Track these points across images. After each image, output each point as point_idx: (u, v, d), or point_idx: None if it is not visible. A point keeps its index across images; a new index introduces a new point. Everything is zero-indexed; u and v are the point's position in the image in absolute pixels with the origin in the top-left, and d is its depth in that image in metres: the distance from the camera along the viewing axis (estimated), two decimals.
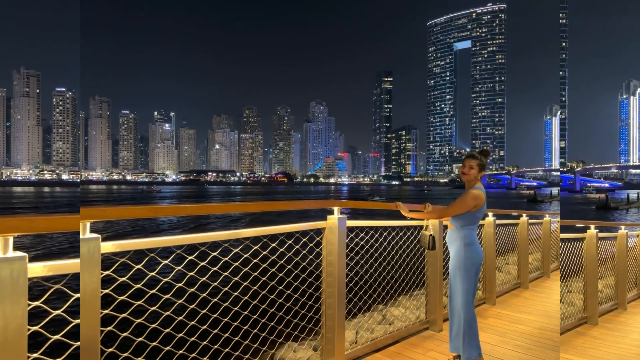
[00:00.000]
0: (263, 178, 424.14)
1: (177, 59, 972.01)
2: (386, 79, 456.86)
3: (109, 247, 2.25)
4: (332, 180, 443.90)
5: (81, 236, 2.12)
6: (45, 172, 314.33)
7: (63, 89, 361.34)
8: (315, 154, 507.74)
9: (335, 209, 3.80)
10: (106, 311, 2.25)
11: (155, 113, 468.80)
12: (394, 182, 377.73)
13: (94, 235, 2.14)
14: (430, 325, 5.13)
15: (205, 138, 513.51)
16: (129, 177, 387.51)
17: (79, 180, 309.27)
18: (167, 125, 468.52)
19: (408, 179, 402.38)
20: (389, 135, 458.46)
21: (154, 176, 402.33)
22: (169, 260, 2.78)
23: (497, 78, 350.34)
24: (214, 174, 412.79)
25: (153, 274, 2.70)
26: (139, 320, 2.64)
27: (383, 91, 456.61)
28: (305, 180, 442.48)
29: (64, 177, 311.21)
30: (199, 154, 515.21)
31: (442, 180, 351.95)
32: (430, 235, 4.48)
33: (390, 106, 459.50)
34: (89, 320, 2.10)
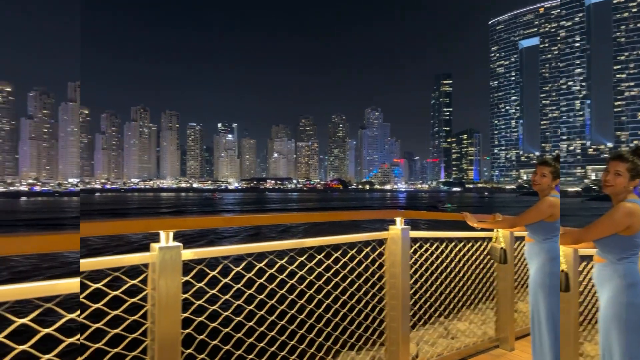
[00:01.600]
0: (319, 185, 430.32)
1: (239, 73, 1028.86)
2: (445, 82, 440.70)
3: (188, 254, 2.48)
4: (387, 187, 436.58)
5: (164, 244, 2.35)
6: (182, 182, 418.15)
7: (194, 124, 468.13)
8: (371, 161, 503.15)
9: (398, 219, 3.71)
10: (185, 314, 2.48)
11: (219, 125, 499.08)
12: (454, 189, 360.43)
13: (176, 243, 2.40)
14: (501, 343, 4.78)
15: (265, 147, 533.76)
16: (195, 185, 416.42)
17: (204, 187, 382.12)
18: (230, 135, 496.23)
19: (470, 185, 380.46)
20: (449, 140, 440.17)
21: (218, 184, 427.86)
22: (240, 267, 2.94)
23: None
24: (273, 182, 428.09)
25: (227, 280, 2.86)
26: (213, 325, 2.81)
27: (442, 94, 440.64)
28: (360, 187, 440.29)
29: (195, 185, 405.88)
30: (259, 163, 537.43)
31: (508, 187, 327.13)
32: (502, 248, 4.15)
33: (450, 109, 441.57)
34: (170, 322, 2.35)
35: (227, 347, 2.85)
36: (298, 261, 3.25)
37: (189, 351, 2.56)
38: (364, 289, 3.73)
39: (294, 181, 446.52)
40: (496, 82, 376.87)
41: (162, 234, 2.37)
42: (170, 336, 2.37)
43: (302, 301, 3.37)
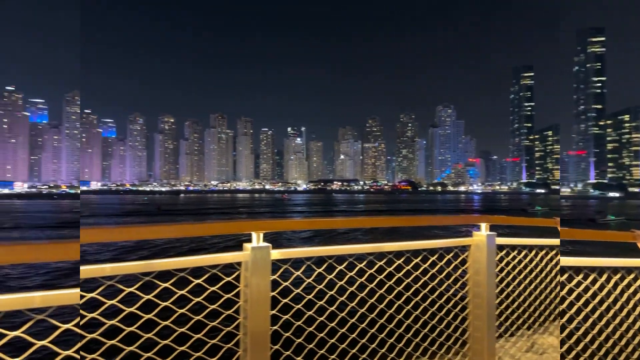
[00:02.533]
0: (386, 186, 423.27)
1: (306, 78, 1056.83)
2: (526, 75, 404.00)
3: (276, 254, 2.68)
4: (462, 188, 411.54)
5: (255, 244, 2.60)
6: (255, 183, 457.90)
7: (266, 129, 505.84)
8: (442, 161, 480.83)
9: (483, 225, 3.61)
10: (273, 312, 2.67)
11: (289, 129, 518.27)
12: (539, 190, 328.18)
13: (267, 244, 2.64)
14: None
15: (332, 149, 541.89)
16: (267, 187, 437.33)
17: (275, 188, 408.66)
18: (298, 139, 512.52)
19: (637, 189, 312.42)
20: (531, 137, 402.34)
21: (287, 185, 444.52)
22: (322, 268, 3.10)
23: None
24: (339, 183, 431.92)
25: (309, 280, 3.05)
26: (298, 323, 2.99)
27: (522, 88, 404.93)
28: (431, 188, 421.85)
29: (267, 187, 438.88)
30: (325, 164, 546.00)
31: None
32: None
33: (532, 104, 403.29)
34: (261, 318, 2.57)
35: (311, 345, 3.03)
36: (377, 265, 3.31)
37: (276, 347, 2.73)
38: (445, 297, 3.67)
39: (361, 182, 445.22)
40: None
41: (254, 235, 2.62)
42: (261, 332, 2.57)
43: (381, 305, 3.40)
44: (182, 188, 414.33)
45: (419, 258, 3.43)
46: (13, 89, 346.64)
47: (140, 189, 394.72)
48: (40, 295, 1.83)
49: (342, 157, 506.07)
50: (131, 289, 2.40)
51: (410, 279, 3.45)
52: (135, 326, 2.39)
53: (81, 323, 2.20)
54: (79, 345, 2.14)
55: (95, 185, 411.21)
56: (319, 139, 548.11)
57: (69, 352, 2.05)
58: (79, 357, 2.09)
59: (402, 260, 3.35)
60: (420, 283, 3.48)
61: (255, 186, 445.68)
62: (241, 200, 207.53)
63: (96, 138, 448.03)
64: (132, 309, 2.42)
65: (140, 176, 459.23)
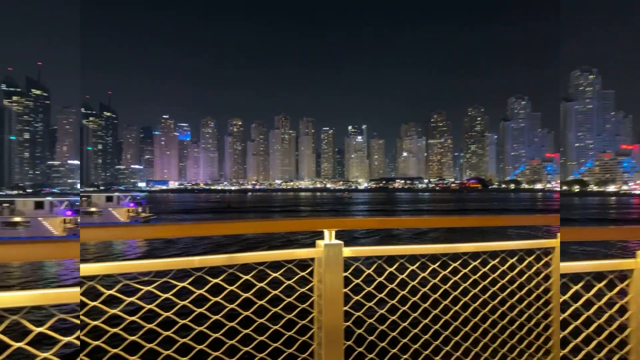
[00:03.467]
0: (453, 185, 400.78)
1: (366, 75, 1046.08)
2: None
3: (347, 252, 2.75)
4: (538, 185, 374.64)
5: (328, 241, 2.70)
6: (317, 182, 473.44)
7: (327, 128, 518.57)
8: (516, 157, 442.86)
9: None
10: (346, 308, 2.74)
11: (350, 127, 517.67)
12: None
13: (338, 241, 2.73)
14: None
15: (394, 146, 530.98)
16: (329, 185, 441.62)
17: (336, 187, 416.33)
18: (359, 137, 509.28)
19: None
20: None
21: (348, 184, 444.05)
22: (393, 267, 3.11)
23: None
24: (402, 181, 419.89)
25: (381, 279, 3.08)
26: (370, 321, 3.08)
27: None
28: (503, 186, 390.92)
29: (328, 185, 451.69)
30: (387, 162, 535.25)
31: None
32: None
33: None
34: (334, 313, 2.66)
35: (383, 344, 3.04)
36: (451, 266, 3.26)
37: (349, 343, 2.79)
38: (526, 302, 3.48)
39: (425, 181, 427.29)
40: None
41: (326, 232, 2.72)
42: (335, 327, 2.66)
43: (456, 308, 3.34)
44: (250, 187, 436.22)
45: (497, 260, 3.30)
46: (167, 117, 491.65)
47: (212, 187, 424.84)
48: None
49: (405, 154, 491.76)
50: (216, 280, 2.66)
51: (487, 281, 3.32)
52: (221, 315, 2.67)
53: (173, 311, 2.54)
54: (174, 329, 2.53)
55: (172, 184, 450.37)
56: (380, 136, 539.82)
57: (169, 333, 2.50)
58: (178, 337, 2.50)
59: (478, 261, 3.25)
60: (497, 286, 3.33)
61: (316, 185, 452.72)
62: (303, 198, 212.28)
63: (173, 141, 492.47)
64: (217, 299, 2.67)
65: (212, 176, 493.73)
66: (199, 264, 2.43)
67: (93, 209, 61.00)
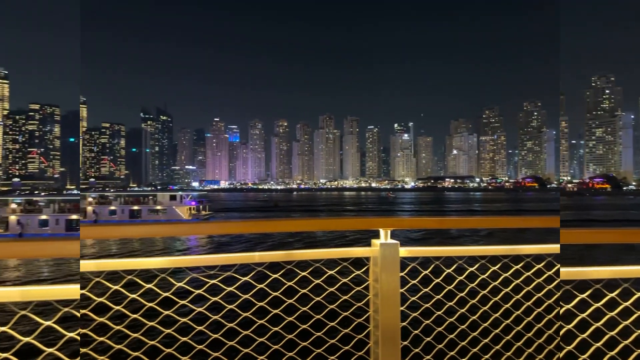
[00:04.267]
0: (507, 184, 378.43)
1: (412, 72, 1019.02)
2: None
3: (404, 251, 2.72)
4: None
5: (383, 240, 2.69)
6: (361, 181, 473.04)
7: (372, 127, 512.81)
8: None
9: None
10: (402, 308, 2.72)
11: (395, 125, 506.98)
12: None
13: (394, 241, 2.70)
14: None
15: (443, 144, 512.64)
16: (373, 185, 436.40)
17: (381, 187, 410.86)
18: (406, 135, 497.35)
19: None
20: None
21: (394, 183, 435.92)
22: (451, 269, 3.07)
23: None
24: (452, 180, 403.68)
25: (438, 280, 3.06)
26: (427, 322, 3.05)
27: None
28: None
29: (373, 184, 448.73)
30: (436, 161, 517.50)
31: None
32: None
33: None
34: (391, 312, 2.65)
35: (440, 346, 2.97)
36: (513, 269, 3.16)
37: (405, 343, 2.76)
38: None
39: (477, 179, 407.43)
40: None
41: (382, 231, 2.72)
42: (391, 326, 2.65)
43: (518, 312, 3.20)
44: (295, 186, 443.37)
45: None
46: (218, 119, 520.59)
47: (260, 187, 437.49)
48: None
49: (454, 152, 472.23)
50: (276, 275, 2.77)
51: (552, 285, 3.16)
52: (280, 309, 2.76)
53: (235, 304, 2.70)
54: (237, 321, 2.68)
55: (223, 184, 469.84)
56: (428, 134, 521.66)
57: (232, 325, 2.68)
58: (240, 329, 2.66)
59: (542, 264, 3.14)
60: (562, 291, 3.11)
61: (361, 184, 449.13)
62: (348, 198, 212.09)
63: (224, 143, 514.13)
64: (276, 293, 2.76)
65: (259, 176, 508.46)
66: (259, 259, 2.54)
67: (158, 207, 65.73)
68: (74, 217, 55.75)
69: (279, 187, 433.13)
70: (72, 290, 2.02)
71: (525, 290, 3.20)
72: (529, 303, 3.21)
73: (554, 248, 3.00)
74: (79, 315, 2.24)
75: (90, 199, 66.68)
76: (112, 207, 64.68)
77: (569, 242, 2.75)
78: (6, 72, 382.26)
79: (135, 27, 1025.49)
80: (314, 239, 41.14)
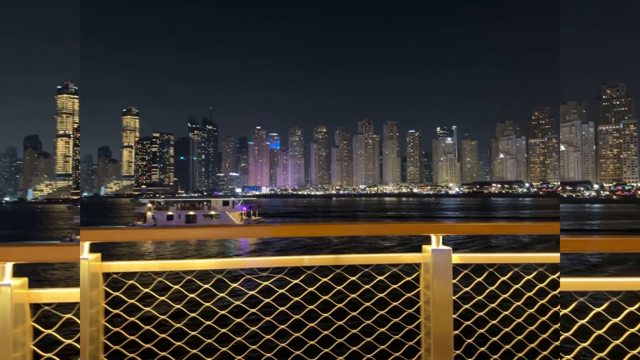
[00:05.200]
0: (560, 189, 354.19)
1: (455, 75, 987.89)
2: None
3: (456, 258, 2.65)
4: None
5: (435, 246, 2.64)
6: (402, 187, 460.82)
7: (413, 131, 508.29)
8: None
9: None
10: (454, 316, 2.64)
11: (438, 129, 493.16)
12: None
13: (446, 247, 2.65)
14: None
15: (488, 148, 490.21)
16: (415, 190, 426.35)
17: (423, 192, 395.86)
18: (449, 139, 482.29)
19: None
20: None
21: (437, 189, 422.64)
22: (506, 277, 2.95)
23: None
24: (499, 186, 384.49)
25: (492, 288, 2.93)
26: (481, 331, 2.93)
27: None
28: None
29: (415, 190, 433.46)
30: (481, 165, 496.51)
31: None
32: None
33: None
34: (443, 320, 2.57)
35: (495, 356, 2.86)
36: (554, 275, 3.02)
37: (458, 352, 2.68)
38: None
39: (526, 185, 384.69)
40: None
41: (433, 237, 2.64)
42: (444, 334, 2.56)
43: (583, 321, 2.87)
44: (334, 192, 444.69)
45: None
46: (260, 127, 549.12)
47: (299, 193, 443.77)
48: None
49: (501, 155, 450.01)
50: (325, 279, 2.79)
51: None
52: (330, 313, 2.75)
53: (287, 306, 2.72)
54: (287, 324, 2.72)
55: (264, 190, 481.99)
56: (472, 137, 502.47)
57: (283, 326, 2.71)
58: (291, 331, 2.70)
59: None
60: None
61: (402, 190, 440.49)
62: (388, 203, 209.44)
63: (265, 150, 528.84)
64: (326, 297, 2.78)
65: (299, 182, 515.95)
66: (308, 263, 2.56)
67: (212, 212, 69.28)
68: (192, 213, 68.89)
69: (318, 193, 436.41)
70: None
71: (577, 302, 2.84)
72: (597, 311, 2.86)
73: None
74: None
75: (149, 205, 71.43)
76: (170, 213, 68.79)
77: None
78: (137, 110, 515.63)
79: (185, 41, 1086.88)
80: (355, 244, 41.44)
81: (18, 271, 2.10)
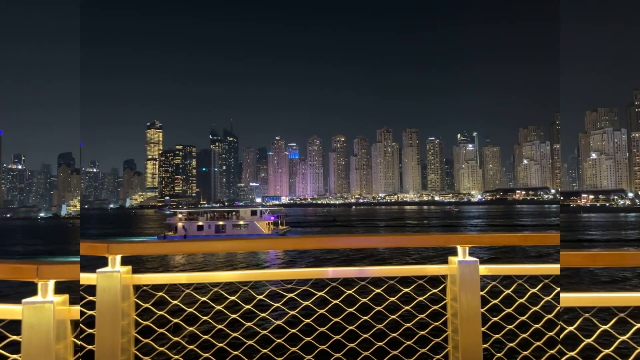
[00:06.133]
0: (592, 198, 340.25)
1: (474, 78, 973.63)
2: None
3: (484, 269, 2.62)
4: None
5: (462, 258, 2.61)
6: (423, 195, 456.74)
7: (433, 138, 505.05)
8: None
9: None
10: (483, 329, 2.58)
11: (459, 135, 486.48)
12: None
13: (473, 258, 2.61)
14: None
15: (511, 154, 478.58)
16: (437, 198, 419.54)
17: (445, 200, 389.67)
18: (470, 145, 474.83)
19: None
20: None
21: (459, 196, 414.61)
22: (536, 289, 2.86)
23: None
24: (523, 192, 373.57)
25: (522, 300, 2.87)
26: (511, 345, 2.86)
27: None
28: None
29: (436, 198, 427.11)
30: (504, 172, 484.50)
31: None
32: None
33: None
34: (471, 333, 2.53)
35: None
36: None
37: None
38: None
39: (552, 191, 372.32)
40: None
41: (459, 248, 2.62)
42: (472, 347, 2.52)
43: (625, 337, 2.75)
44: (353, 201, 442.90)
45: None
46: (279, 138, 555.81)
47: (318, 202, 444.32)
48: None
49: (525, 162, 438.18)
50: (350, 292, 2.79)
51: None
52: (355, 325, 2.75)
53: (312, 318, 2.72)
54: (312, 336, 2.76)
55: (284, 199, 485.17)
56: (494, 143, 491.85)
57: (309, 339, 2.75)
58: (317, 344, 2.70)
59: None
60: None
61: (423, 198, 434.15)
62: (409, 212, 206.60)
63: (284, 160, 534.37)
64: (351, 310, 2.78)
65: (318, 191, 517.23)
66: (332, 275, 2.57)
67: (241, 222, 69.94)
68: (221, 222, 69.38)
69: (337, 202, 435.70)
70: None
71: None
72: (610, 324, 2.77)
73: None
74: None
75: (180, 216, 72.34)
76: (200, 223, 69.60)
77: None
78: (161, 124, 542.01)
79: (206, 52, 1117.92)
80: (376, 256, 41.47)
81: (59, 288, 2.14)
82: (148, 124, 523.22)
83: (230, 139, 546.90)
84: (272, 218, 72.62)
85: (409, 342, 2.80)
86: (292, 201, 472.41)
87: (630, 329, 2.69)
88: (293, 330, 2.73)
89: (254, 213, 71.08)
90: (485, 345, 2.60)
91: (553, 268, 2.73)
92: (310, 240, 2.66)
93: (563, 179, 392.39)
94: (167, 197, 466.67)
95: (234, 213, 72.76)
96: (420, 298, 2.82)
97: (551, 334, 2.93)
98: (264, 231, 68.12)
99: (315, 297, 2.79)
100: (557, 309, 2.85)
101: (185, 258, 44.36)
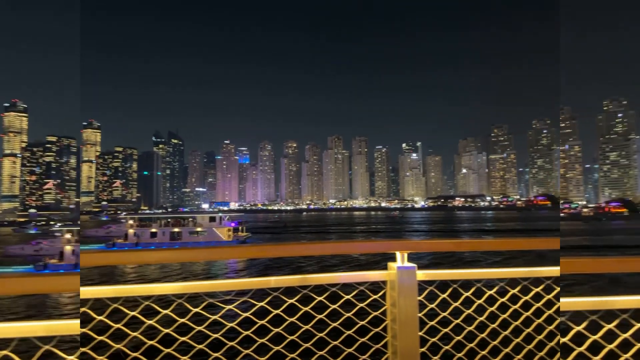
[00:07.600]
0: (519, 202, 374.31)
1: (420, 90, 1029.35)
2: None
3: (421, 275, 2.70)
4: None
5: (400, 264, 2.69)
6: (371, 201, 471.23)
7: (380, 146, 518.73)
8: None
9: None
10: (420, 333, 2.67)
11: (404, 145, 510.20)
12: None
13: (411, 264, 2.69)
14: None
15: (452, 163, 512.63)
16: (383, 204, 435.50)
17: (391, 206, 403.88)
18: (414, 154, 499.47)
19: None
20: None
21: (404, 203, 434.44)
22: (469, 292, 2.98)
23: None
24: (462, 199, 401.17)
25: (456, 304, 2.97)
26: (447, 348, 2.92)
27: None
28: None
29: (383, 204, 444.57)
30: (445, 180, 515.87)
31: None
32: None
33: None
34: (410, 338, 2.61)
35: None
36: (533, 292, 3.03)
37: None
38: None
39: (487, 198, 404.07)
40: None
41: (398, 254, 2.70)
42: (410, 352, 2.59)
43: (540, 337, 3.00)
44: (304, 207, 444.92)
45: None
46: (228, 142, 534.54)
47: (269, 208, 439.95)
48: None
49: (464, 170, 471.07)
50: (292, 301, 2.75)
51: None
52: (296, 335, 2.70)
53: (251, 331, 2.66)
54: (252, 348, 2.66)
55: (233, 205, 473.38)
56: (436, 153, 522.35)
57: (248, 351, 2.66)
58: (257, 356, 2.62)
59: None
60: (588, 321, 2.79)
61: (371, 204, 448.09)
62: (357, 217, 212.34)
63: (234, 165, 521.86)
64: (293, 319, 2.75)
65: (269, 197, 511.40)
66: (274, 284, 2.53)
67: (199, 229, 65.73)
68: (176, 229, 65.22)
69: (288, 208, 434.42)
70: (72, 326, 1.99)
71: (546, 314, 3.01)
72: (551, 327, 3.02)
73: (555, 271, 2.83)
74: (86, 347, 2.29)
75: (131, 222, 67.13)
76: (153, 230, 65.19)
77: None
78: (99, 124, 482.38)
79: (148, 49, 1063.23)
80: (325, 261, 41.80)
81: None
82: (85, 123, 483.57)
83: (175, 141, 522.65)
84: (234, 224, 69.47)
85: (349, 350, 2.81)
86: (241, 207, 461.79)
87: (554, 323, 2.86)
88: (231, 344, 2.64)
89: (212, 219, 67.40)
90: (422, 349, 2.67)
91: (487, 272, 2.83)
92: (270, 248, 2.67)
93: (443, 186, 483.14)
94: (104, 202, 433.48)
95: (190, 219, 69.07)
96: (362, 305, 2.83)
97: (483, 335, 3.00)
98: (224, 238, 64.97)
99: (255, 307, 2.72)
100: (488, 311, 2.98)
101: (135, 268, 41.75)
